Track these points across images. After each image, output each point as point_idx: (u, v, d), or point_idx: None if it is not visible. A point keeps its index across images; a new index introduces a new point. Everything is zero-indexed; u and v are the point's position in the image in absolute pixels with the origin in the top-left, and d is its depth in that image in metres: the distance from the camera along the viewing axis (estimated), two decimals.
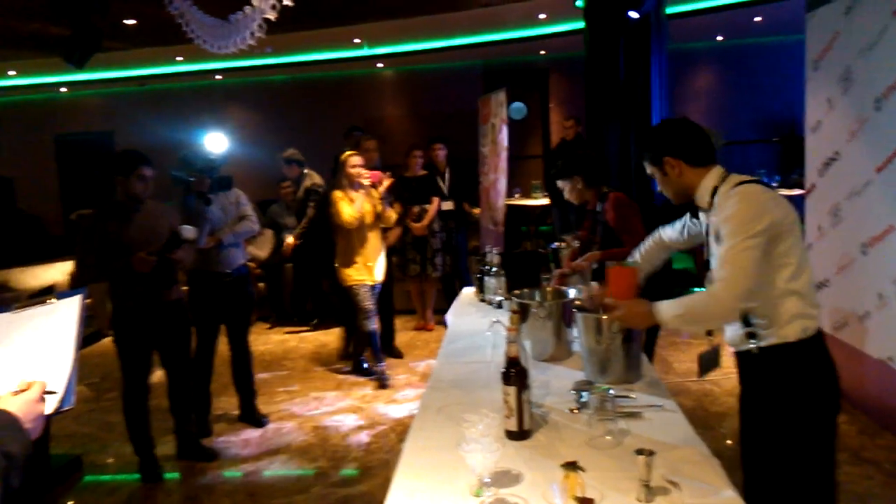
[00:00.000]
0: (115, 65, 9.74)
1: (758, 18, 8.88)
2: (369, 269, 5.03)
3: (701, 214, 2.30)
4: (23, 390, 1.31)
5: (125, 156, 3.76)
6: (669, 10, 6.78)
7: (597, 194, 3.59)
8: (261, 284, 7.15)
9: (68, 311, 1.53)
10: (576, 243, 3.75)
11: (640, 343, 2.49)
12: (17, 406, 1.27)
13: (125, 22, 6.99)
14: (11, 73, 10.16)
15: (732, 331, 2.21)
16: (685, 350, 5.53)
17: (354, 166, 4.97)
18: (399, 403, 4.83)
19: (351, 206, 4.89)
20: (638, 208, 3.54)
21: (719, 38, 10.35)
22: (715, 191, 2.15)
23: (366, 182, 4.93)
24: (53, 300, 1.56)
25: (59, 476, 3.97)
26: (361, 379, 5.38)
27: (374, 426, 4.46)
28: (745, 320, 2.12)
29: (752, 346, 2.12)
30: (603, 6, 6.28)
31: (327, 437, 4.34)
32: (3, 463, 1.15)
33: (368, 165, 5.51)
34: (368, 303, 5.01)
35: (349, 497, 3.60)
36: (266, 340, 6.68)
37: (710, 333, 2.48)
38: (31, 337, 1.51)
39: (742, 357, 2.23)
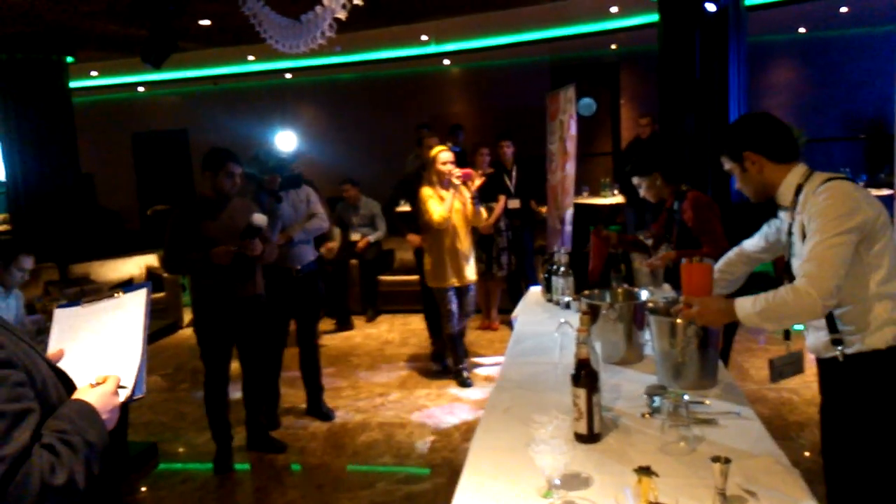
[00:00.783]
0: (190, 64, 10.08)
1: (844, 9, 8.49)
2: (458, 269, 4.88)
3: (781, 214, 2.21)
4: (99, 383, 1.38)
5: (214, 153, 3.86)
6: (749, 2, 6.55)
7: (674, 192, 3.48)
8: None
9: (135, 304, 1.60)
10: (649, 241, 3.65)
11: (717, 348, 2.39)
12: (95, 398, 1.33)
13: (200, 23, 7.22)
14: (93, 73, 10.65)
15: (815, 337, 2.11)
16: (762, 356, 5.32)
17: (445, 163, 4.77)
18: (463, 403, 4.82)
19: (441, 205, 4.73)
20: (718, 209, 3.41)
21: (801, 30, 9.93)
22: (799, 189, 2.06)
23: (456, 181, 4.73)
24: (120, 294, 1.64)
25: (136, 463, 4.12)
26: (426, 377, 5.40)
27: (438, 425, 4.46)
28: (832, 325, 2.01)
29: (837, 353, 2.02)
30: None
31: (392, 433, 4.36)
32: (85, 451, 1.21)
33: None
34: (452, 305, 4.91)
35: (413, 494, 3.61)
36: (332, 336, 6.78)
37: (787, 337, 2.37)
38: (101, 330, 1.58)
39: (825, 365, 2.13)
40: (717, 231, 3.27)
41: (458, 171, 4.73)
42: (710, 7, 5.75)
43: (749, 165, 2.13)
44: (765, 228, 2.39)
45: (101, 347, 1.54)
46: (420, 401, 4.89)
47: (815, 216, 1.96)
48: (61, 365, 1.44)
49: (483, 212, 4.93)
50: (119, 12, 6.51)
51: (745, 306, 2.05)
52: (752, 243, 2.47)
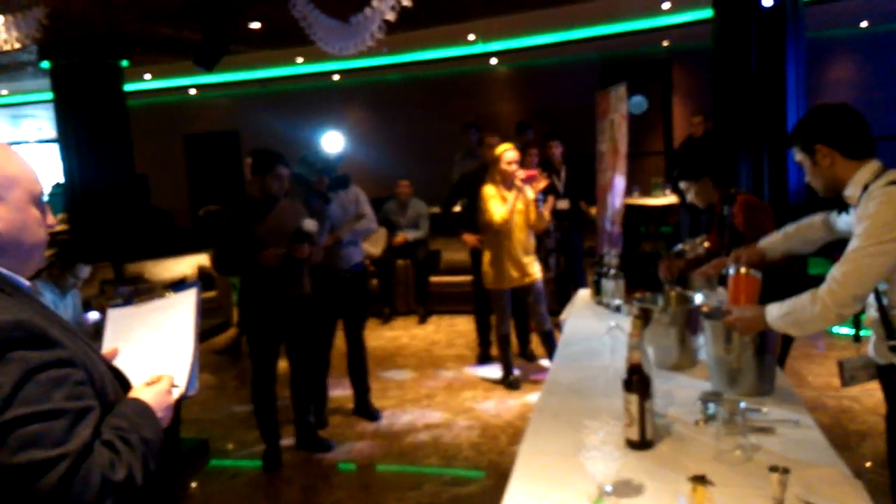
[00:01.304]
0: (240, 67, 10.27)
1: None
2: (518, 270, 4.79)
3: (851, 210, 2.12)
4: (154, 382, 1.42)
5: (263, 155, 3.91)
6: None
7: (723, 197, 3.37)
8: (373, 281, 7.31)
9: (185, 303, 1.63)
10: (701, 249, 3.54)
11: (775, 353, 2.31)
12: (150, 396, 1.37)
13: (250, 25, 7.34)
14: (147, 76, 10.95)
15: (876, 343, 2.03)
16: (821, 362, 5.13)
17: (510, 162, 4.68)
18: (509, 406, 4.78)
19: (502, 206, 4.65)
20: (771, 212, 3.30)
21: (864, 24, 9.56)
22: (867, 187, 1.97)
23: (520, 182, 4.64)
24: (170, 293, 1.67)
25: (188, 459, 4.20)
26: (472, 379, 5.37)
27: (485, 427, 4.43)
28: (889, 331, 1.92)
29: (894, 359, 1.95)
30: None
31: (438, 435, 4.35)
32: (142, 448, 1.24)
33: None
34: (507, 308, 4.87)
35: (459, 496, 3.59)
36: (379, 336, 6.81)
37: (856, 339, 2.30)
38: (154, 329, 1.62)
39: (887, 372, 2.04)
40: (767, 231, 3.17)
41: (521, 173, 4.66)
42: (767, 1, 5.59)
43: (820, 159, 2.06)
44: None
45: (154, 346, 1.58)
46: (466, 403, 4.87)
47: (863, 219, 1.90)
48: (115, 363, 1.47)
49: (546, 214, 4.82)
50: (172, 16, 6.67)
51: (773, 312, 2.04)
52: (839, 217, 2.39)
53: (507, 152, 4.73)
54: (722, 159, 3.45)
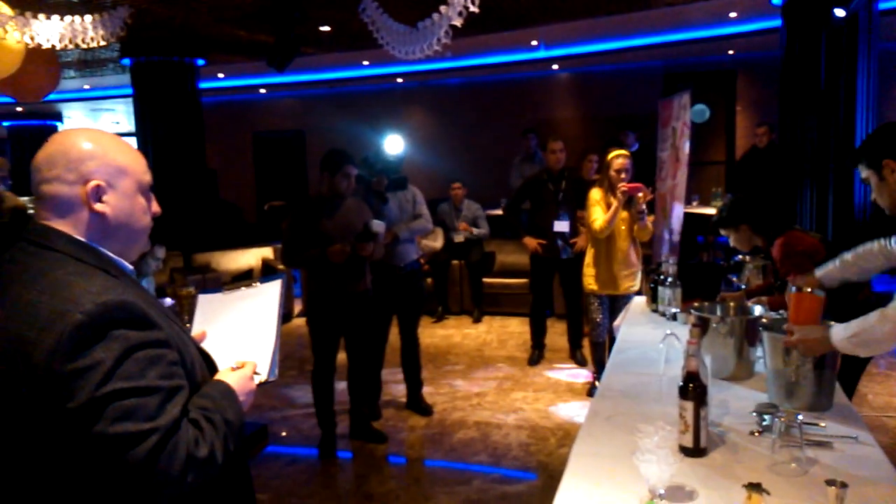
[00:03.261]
0: (308, 68, 10.51)
1: None
2: (614, 278, 4.75)
3: None
4: (239, 367, 1.49)
5: (333, 154, 4.06)
6: (883, 7, 6.17)
7: (765, 242, 3.28)
8: (428, 280, 7.42)
9: (271, 293, 1.71)
10: (750, 269, 3.50)
11: (835, 369, 2.29)
12: (235, 380, 1.44)
13: (321, 29, 7.54)
14: (220, 75, 11.31)
15: None
16: (882, 382, 5.01)
17: (619, 170, 4.62)
18: (559, 408, 4.81)
19: (604, 214, 4.62)
20: (815, 247, 3.14)
21: None
22: None
23: (622, 191, 4.55)
24: (257, 284, 1.75)
25: (249, 442, 4.37)
26: (523, 379, 5.43)
27: (534, 428, 4.48)
28: None
29: None
30: (804, 3, 5.85)
31: (488, 433, 4.42)
32: (224, 428, 1.31)
33: (555, 167, 5.56)
34: (598, 315, 4.84)
35: (507, 495, 3.65)
36: (432, 334, 6.92)
37: None
38: (240, 316, 1.70)
39: None
40: (804, 270, 3.02)
41: (625, 186, 4.56)
42: (840, 12, 5.46)
43: (888, 174, 2.08)
44: None
45: (240, 332, 1.66)
46: (516, 403, 4.93)
47: None
48: (203, 346, 1.55)
49: (649, 225, 4.77)
50: (248, 19, 6.90)
51: (839, 333, 2.02)
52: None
53: (616, 159, 4.67)
54: (761, 207, 3.34)
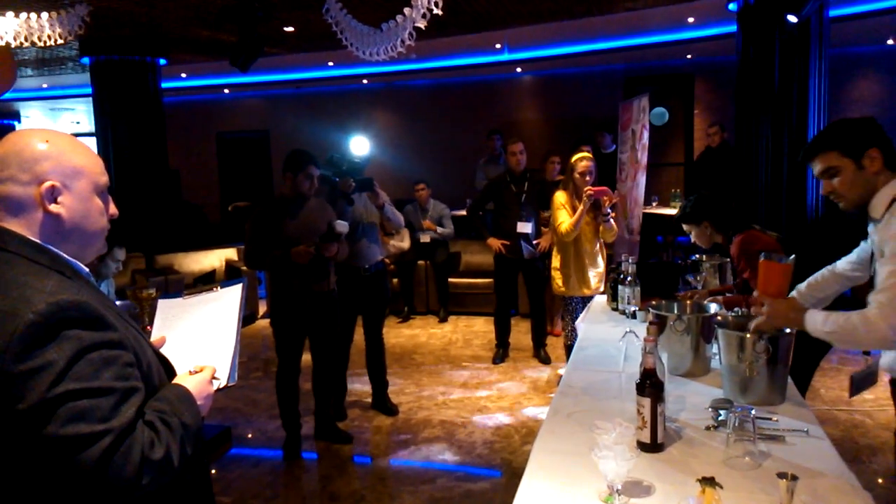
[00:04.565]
0: (273, 68, 10.43)
1: None
2: (583, 280, 4.81)
3: (870, 227, 2.14)
4: (197, 371, 1.49)
5: (296, 155, 4.05)
6: (833, 13, 6.36)
7: (725, 240, 3.36)
8: (394, 280, 7.44)
9: (231, 297, 1.71)
10: (707, 267, 3.58)
11: (787, 364, 2.37)
12: (193, 384, 1.43)
13: (285, 29, 7.49)
14: (183, 75, 11.15)
15: (892, 357, 2.06)
16: (834, 376, 5.17)
17: (583, 173, 4.65)
18: (523, 406, 4.87)
19: (570, 217, 4.64)
20: (772, 247, 3.20)
21: (889, 41, 9.54)
22: (893, 202, 2.00)
23: (587, 195, 4.57)
24: (218, 288, 1.74)
25: (211, 445, 4.33)
26: (487, 378, 5.47)
27: (499, 426, 4.53)
28: None
29: None
30: (759, 9, 6.00)
31: (453, 432, 4.46)
32: (181, 431, 1.30)
33: (517, 169, 5.62)
34: (573, 315, 4.82)
35: (471, 492, 3.69)
36: (398, 334, 6.93)
37: (867, 353, 2.31)
38: (200, 321, 1.69)
39: None
40: None
41: (591, 190, 4.58)
42: (792, 18, 5.62)
43: (868, 163, 2.03)
44: (862, 244, 2.33)
45: (199, 337, 1.65)
46: (481, 402, 4.97)
47: (888, 239, 1.92)
48: (162, 351, 1.55)
49: (614, 226, 4.80)
50: (211, 18, 6.83)
51: (816, 321, 2.03)
52: (845, 261, 2.41)
53: (580, 161, 4.69)
54: (723, 204, 3.38)
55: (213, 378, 1.51)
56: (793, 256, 2.31)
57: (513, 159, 5.62)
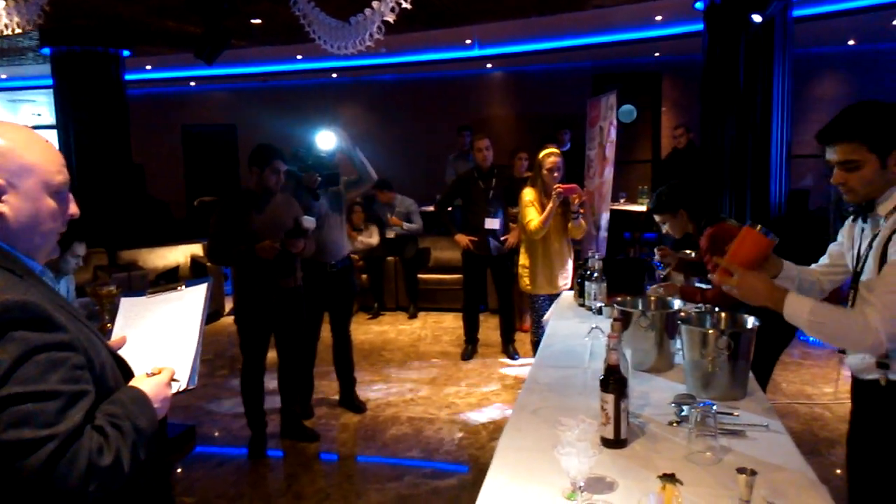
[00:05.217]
0: (240, 61, 10.29)
1: None
2: (551, 277, 4.75)
3: (871, 220, 2.01)
4: (155, 374, 1.44)
5: (262, 149, 3.98)
6: (797, 14, 6.47)
7: (696, 229, 3.38)
8: (363, 276, 7.40)
9: (195, 298, 1.67)
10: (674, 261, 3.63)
11: (749, 359, 2.40)
12: (150, 387, 1.39)
13: (252, 21, 7.39)
14: (148, 67, 10.95)
15: (860, 357, 2.04)
16: (794, 370, 5.27)
17: (551, 169, 4.61)
18: (491, 402, 4.88)
19: (539, 214, 4.59)
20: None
21: (851, 42, 9.75)
22: None
23: (556, 193, 4.52)
24: (182, 287, 1.70)
25: (175, 445, 4.27)
26: (456, 375, 5.48)
27: (467, 422, 4.53)
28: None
29: (879, 376, 1.95)
30: (724, 8, 6.08)
31: (421, 428, 4.45)
32: (134, 436, 1.26)
33: (484, 165, 5.62)
34: (543, 313, 4.72)
35: (438, 489, 3.68)
36: (367, 330, 6.90)
37: (842, 351, 2.28)
38: (162, 321, 1.65)
39: (863, 386, 2.06)
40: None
41: (560, 188, 4.52)
42: (757, 18, 5.71)
43: (893, 163, 1.88)
44: (832, 246, 2.27)
45: (160, 337, 1.61)
46: (450, 398, 4.97)
47: None
48: (122, 352, 1.50)
49: (583, 223, 4.75)
50: (175, 9, 6.70)
51: (802, 307, 1.90)
52: (820, 268, 2.29)
53: (548, 157, 4.64)
54: (698, 193, 3.39)
55: (173, 380, 1.47)
56: (776, 239, 2.12)
57: (479, 155, 5.62)
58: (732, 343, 2.28)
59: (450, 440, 4.27)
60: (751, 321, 2.44)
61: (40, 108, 13.92)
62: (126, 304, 1.70)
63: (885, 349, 1.85)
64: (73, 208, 1.39)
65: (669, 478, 1.59)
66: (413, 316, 7.39)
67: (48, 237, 1.34)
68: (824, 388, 4.82)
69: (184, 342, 1.59)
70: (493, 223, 5.58)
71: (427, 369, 5.66)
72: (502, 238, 5.65)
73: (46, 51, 8.13)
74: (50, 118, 12.63)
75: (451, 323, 7.01)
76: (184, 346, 1.58)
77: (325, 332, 4.75)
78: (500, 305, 5.90)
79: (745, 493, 1.58)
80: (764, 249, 2.09)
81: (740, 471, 1.59)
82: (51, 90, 8.52)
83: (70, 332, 1.23)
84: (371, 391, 5.13)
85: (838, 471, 3.67)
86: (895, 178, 1.89)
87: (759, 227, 2.08)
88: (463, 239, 5.63)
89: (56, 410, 1.15)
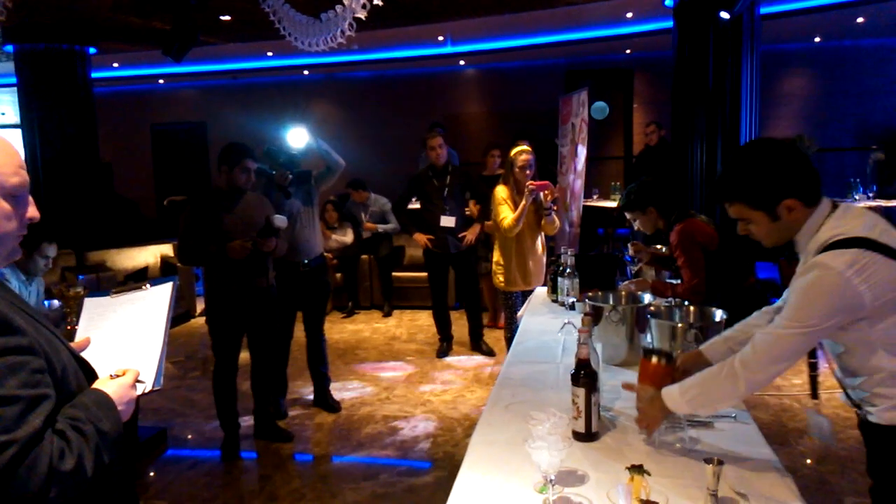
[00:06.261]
0: (210, 58, 10.17)
1: (860, 19, 8.47)
2: (525, 274, 4.73)
3: (803, 256, 1.92)
4: (119, 375, 1.42)
5: (232, 148, 3.93)
6: (764, 11, 6.57)
7: (667, 225, 3.40)
8: (338, 275, 7.37)
9: (160, 297, 1.64)
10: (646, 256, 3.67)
11: None
12: (113, 389, 1.36)
13: (221, 17, 7.30)
14: (115, 64, 10.77)
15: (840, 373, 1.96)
16: None
17: (522, 167, 4.57)
18: (466, 399, 4.89)
19: (512, 212, 4.56)
20: (710, 237, 3.29)
21: (816, 39, 9.92)
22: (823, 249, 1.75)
23: (529, 190, 4.52)
24: (147, 287, 1.67)
25: (146, 448, 4.21)
26: (430, 372, 5.48)
27: (442, 420, 4.53)
28: (844, 388, 1.94)
29: (856, 411, 1.93)
30: (693, 6, 6.15)
31: (396, 426, 4.44)
32: (97, 439, 1.24)
33: (437, 163, 5.60)
34: (517, 310, 4.72)
35: (414, 487, 3.68)
36: (341, 329, 6.87)
37: (815, 396, 2.24)
38: (127, 321, 1.62)
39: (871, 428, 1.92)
40: (697, 268, 3.18)
41: (532, 185, 4.53)
42: (725, 15, 5.78)
43: (784, 213, 1.79)
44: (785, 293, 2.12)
45: (125, 338, 1.59)
46: (424, 396, 4.97)
47: (794, 291, 1.78)
48: (86, 353, 1.47)
49: (556, 220, 4.76)
50: (142, 5, 6.60)
51: (670, 400, 1.88)
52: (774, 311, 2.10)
53: (520, 155, 4.61)
54: (667, 190, 3.43)
55: (137, 382, 1.45)
56: (675, 356, 2.14)
57: (432, 153, 5.59)
58: (700, 336, 2.31)
59: (425, 438, 4.27)
60: (718, 314, 2.48)
61: (4, 106, 13.60)
62: (90, 304, 1.67)
63: (746, 395, 1.86)
64: (32, 211, 1.34)
65: (637, 469, 1.61)
66: (388, 314, 7.38)
67: (4, 241, 1.30)
68: (793, 380, 4.90)
69: (149, 343, 1.56)
70: (447, 221, 5.55)
71: (402, 367, 5.65)
72: (459, 235, 5.64)
73: (9, 48, 7.95)
74: (14, 117, 12.36)
75: (425, 321, 7.00)
76: (149, 347, 1.56)
77: (299, 332, 4.72)
78: (466, 303, 5.91)
79: (712, 482, 1.60)
80: (662, 375, 2.06)
81: (707, 461, 1.61)
82: (14, 88, 8.35)
83: (29, 335, 1.21)
84: (346, 390, 5.11)
85: (809, 461, 3.74)
86: (796, 223, 1.81)
87: (653, 358, 2.09)
88: (421, 238, 5.62)
89: (15, 416, 1.13)
